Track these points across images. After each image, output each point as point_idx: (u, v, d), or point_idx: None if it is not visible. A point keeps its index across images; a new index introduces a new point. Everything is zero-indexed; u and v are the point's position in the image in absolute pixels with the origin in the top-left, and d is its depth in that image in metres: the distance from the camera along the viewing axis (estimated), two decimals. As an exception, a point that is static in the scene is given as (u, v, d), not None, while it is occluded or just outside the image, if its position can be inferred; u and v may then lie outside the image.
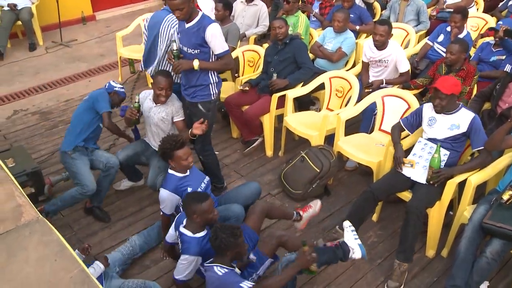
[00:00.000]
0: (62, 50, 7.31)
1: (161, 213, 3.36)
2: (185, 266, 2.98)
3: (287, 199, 4.14)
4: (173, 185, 3.26)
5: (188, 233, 2.98)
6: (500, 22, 4.83)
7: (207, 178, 3.48)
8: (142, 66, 4.35)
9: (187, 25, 3.46)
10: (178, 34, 3.66)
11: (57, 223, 3.83)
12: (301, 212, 3.53)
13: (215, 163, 4.07)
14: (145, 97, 3.90)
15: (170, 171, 3.34)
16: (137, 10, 8.84)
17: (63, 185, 4.25)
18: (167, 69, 4.00)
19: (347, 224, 3.17)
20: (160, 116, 3.81)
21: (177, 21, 3.96)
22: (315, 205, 3.60)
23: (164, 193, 3.26)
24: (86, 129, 3.77)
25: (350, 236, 3.09)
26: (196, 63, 3.46)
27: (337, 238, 3.52)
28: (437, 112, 3.42)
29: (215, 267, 2.70)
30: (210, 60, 3.54)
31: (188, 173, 3.34)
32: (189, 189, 3.26)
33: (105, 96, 3.85)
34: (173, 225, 3.16)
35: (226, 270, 2.68)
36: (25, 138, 5.09)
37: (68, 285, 1.75)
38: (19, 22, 7.03)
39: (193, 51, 3.49)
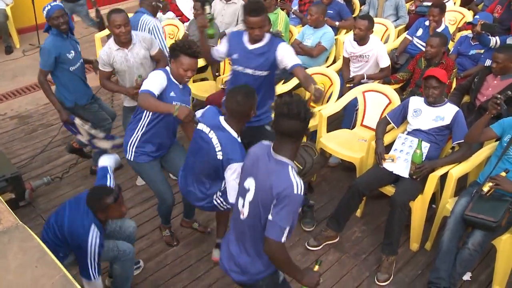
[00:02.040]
0: (39, 53, 7.17)
1: (140, 92, 2.98)
2: (234, 178, 2.64)
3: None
4: (167, 74, 3.04)
5: (233, 132, 2.72)
6: (477, 16, 4.88)
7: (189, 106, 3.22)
8: None
9: (251, 47, 3.28)
10: (236, 55, 3.36)
11: (39, 228, 3.75)
12: None
13: None
14: (110, 53, 3.65)
15: (168, 69, 3.10)
16: (116, 10, 8.73)
17: (44, 190, 4.19)
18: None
19: None
20: (140, 56, 3.69)
21: (153, 19, 3.93)
22: None
23: (155, 72, 3.03)
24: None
25: None
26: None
27: (327, 236, 3.56)
28: (430, 102, 3.48)
29: (291, 168, 2.18)
30: (272, 85, 3.48)
31: (180, 87, 3.11)
32: (171, 94, 3.02)
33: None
34: None
35: (302, 193, 2.16)
36: (3, 143, 5.00)
37: (50, 292, 1.73)
38: (-6, 25, 6.90)
39: (261, 73, 3.31)
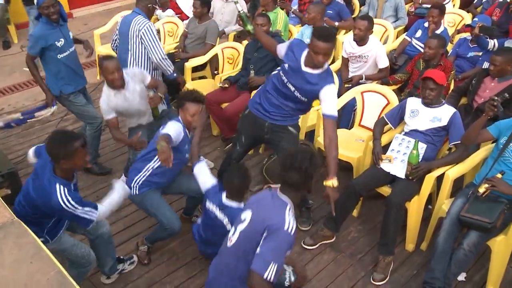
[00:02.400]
0: (38, 48, 7.17)
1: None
2: None
3: (268, 196, 4.14)
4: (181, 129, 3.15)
5: (235, 204, 2.98)
6: (476, 19, 4.89)
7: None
8: None
9: (305, 68, 3.16)
10: (287, 65, 3.26)
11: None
12: None
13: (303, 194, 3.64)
14: (109, 100, 3.65)
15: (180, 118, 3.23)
16: (114, 7, 8.73)
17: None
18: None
19: None
20: (137, 90, 3.71)
21: (146, 22, 3.93)
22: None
23: (173, 123, 3.13)
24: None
25: None
26: (329, 182, 3.10)
27: (324, 235, 3.56)
28: (427, 103, 3.48)
29: (288, 209, 2.27)
30: (309, 108, 3.49)
31: (189, 136, 3.30)
32: (186, 147, 3.25)
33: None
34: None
35: (294, 232, 2.24)
36: (0, 138, 4.99)
37: (45, 287, 1.72)
38: (-9, 20, 6.90)
39: (301, 97, 3.24)
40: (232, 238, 2.39)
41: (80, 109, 4.18)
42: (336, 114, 3.20)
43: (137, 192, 3.26)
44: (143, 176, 3.24)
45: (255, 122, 3.45)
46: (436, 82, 3.38)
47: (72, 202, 2.54)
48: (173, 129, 3.05)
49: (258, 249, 2.18)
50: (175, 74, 4.31)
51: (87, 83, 4.36)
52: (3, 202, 2.16)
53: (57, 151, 2.50)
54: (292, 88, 3.24)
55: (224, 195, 3.05)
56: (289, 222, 2.20)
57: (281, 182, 2.35)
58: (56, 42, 3.89)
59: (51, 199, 2.49)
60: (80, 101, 4.16)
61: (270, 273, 2.13)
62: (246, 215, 2.38)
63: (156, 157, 3.11)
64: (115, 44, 4.58)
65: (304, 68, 3.16)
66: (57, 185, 2.52)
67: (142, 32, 3.99)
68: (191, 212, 3.78)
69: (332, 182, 3.04)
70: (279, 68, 3.35)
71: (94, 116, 4.19)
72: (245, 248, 2.28)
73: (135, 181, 3.24)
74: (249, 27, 3.51)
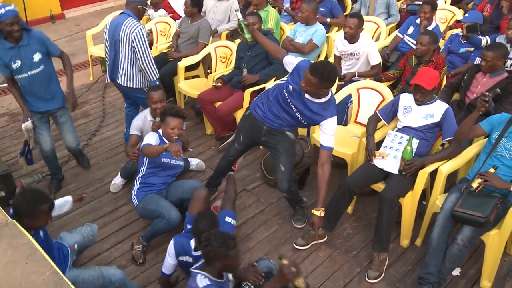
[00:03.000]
0: (30, 50, 7.13)
1: (142, 147, 3.38)
2: None
3: (262, 194, 4.16)
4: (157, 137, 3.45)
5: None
6: (467, 15, 4.90)
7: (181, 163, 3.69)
8: (108, 78, 4.25)
9: (309, 97, 3.14)
10: (292, 88, 3.23)
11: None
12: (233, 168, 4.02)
13: (297, 194, 3.79)
14: (145, 122, 3.88)
15: (161, 132, 3.50)
16: (106, 8, 8.72)
17: (35, 187, 4.17)
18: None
19: None
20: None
21: (137, 25, 3.88)
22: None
23: (150, 134, 3.48)
24: None
25: None
26: (317, 212, 3.24)
27: (317, 235, 3.57)
28: (418, 104, 3.50)
29: (199, 276, 2.53)
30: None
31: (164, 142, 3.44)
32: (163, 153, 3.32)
33: None
34: (170, 254, 3.04)
35: (208, 283, 2.50)
36: (-7, 140, 4.98)
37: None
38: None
39: (301, 119, 3.27)
40: None
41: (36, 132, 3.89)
42: (333, 145, 3.27)
43: (137, 201, 3.51)
44: (137, 187, 3.55)
45: (254, 123, 3.46)
46: (426, 90, 3.39)
47: None
48: (151, 138, 3.38)
49: None
50: (157, 82, 4.14)
51: (59, 107, 3.92)
52: (-4, 203, 2.16)
53: (22, 210, 2.57)
54: (295, 109, 3.25)
55: (192, 243, 2.98)
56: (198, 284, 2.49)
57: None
58: (11, 63, 3.53)
59: None
60: (37, 125, 3.86)
61: None
62: None
63: (141, 167, 3.55)
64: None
65: (306, 95, 3.15)
66: None
67: (134, 35, 3.86)
68: (147, 240, 3.60)
69: (320, 212, 3.23)
70: (285, 81, 3.32)
71: (43, 149, 3.98)
72: None
73: (132, 195, 3.57)
74: (247, 36, 3.54)
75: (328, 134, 3.22)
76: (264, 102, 3.43)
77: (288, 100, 3.25)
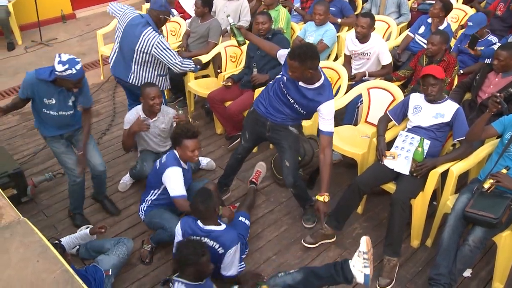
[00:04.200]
0: (42, 50, 7.20)
1: (175, 198, 3.34)
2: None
3: (272, 194, 4.15)
4: (177, 161, 3.39)
5: (215, 227, 3.00)
6: (470, 23, 4.71)
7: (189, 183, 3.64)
8: (112, 71, 4.25)
9: (302, 84, 3.19)
10: (286, 79, 3.27)
11: (41, 223, 3.80)
12: (254, 181, 4.11)
13: (304, 191, 3.78)
14: (134, 116, 3.88)
15: (176, 153, 3.42)
16: (118, 7, 8.74)
17: (46, 186, 4.21)
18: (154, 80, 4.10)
19: (363, 247, 2.81)
20: (160, 127, 3.96)
21: (156, 37, 3.87)
22: (263, 169, 4.15)
23: (173, 170, 3.33)
24: None
25: (358, 263, 2.84)
26: (321, 198, 3.24)
27: (324, 234, 3.56)
28: (429, 100, 3.47)
29: (176, 283, 2.68)
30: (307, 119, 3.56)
31: (186, 166, 3.46)
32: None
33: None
34: (177, 234, 3.12)
35: None
36: (6, 139, 5.02)
37: (51, 286, 1.74)
38: (-4, 21, 6.88)
39: (300, 109, 3.30)
40: None
41: (56, 155, 3.63)
42: (333, 130, 3.28)
43: (144, 216, 3.61)
44: (146, 205, 3.61)
45: (258, 119, 3.51)
46: (436, 77, 3.37)
47: None
48: (177, 179, 3.35)
49: None
50: (198, 66, 4.32)
51: (77, 128, 3.64)
52: (9, 201, 2.17)
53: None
54: (292, 100, 3.29)
55: (199, 222, 3.04)
56: None
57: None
58: (45, 99, 3.30)
59: None
60: (58, 147, 3.57)
61: None
62: None
63: (154, 191, 3.56)
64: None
65: (300, 83, 3.19)
66: None
67: (154, 49, 3.85)
68: (155, 242, 3.66)
69: (324, 197, 3.20)
70: (280, 75, 3.36)
71: (69, 168, 3.58)
72: None
73: (141, 210, 3.65)
74: (239, 38, 3.63)
75: (326, 119, 3.23)
76: (265, 97, 3.48)
77: (285, 92, 3.29)
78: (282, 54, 3.41)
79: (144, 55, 3.95)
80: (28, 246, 1.90)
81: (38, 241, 1.92)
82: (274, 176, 4.29)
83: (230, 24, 3.63)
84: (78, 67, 3.13)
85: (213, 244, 2.99)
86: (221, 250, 2.99)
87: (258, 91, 4.45)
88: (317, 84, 3.18)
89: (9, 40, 7.09)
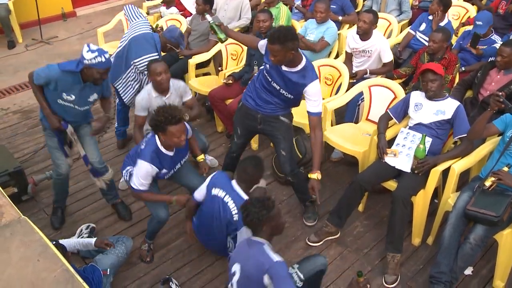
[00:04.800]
0: (42, 48, 7.20)
1: (133, 190, 3.23)
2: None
3: (273, 192, 4.15)
4: (153, 157, 3.13)
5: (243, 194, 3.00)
6: (480, 23, 4.62)
7: (187, 157, 3.45)
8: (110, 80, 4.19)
9: (285, 68, 3.22)
10: (268, 66, 3.31)
11: (41, 222, 3.80)
12: None
13: (304, 181, 3.64)
14: (149, 99, 3.70)
15: (157, 141, 3.15)
16: (118, 6, 8.73)
17: (47, 184, 4.20)
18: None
19: None
20: (176, 102, 3.77)
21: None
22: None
23: (141, 165, 3.12)
24: None
25: None
26: (314, 175, 3.29)
27: (328, 231, 3.56)
28: (430, 96, 3.47)
29: (266, 246, 2.44)
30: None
31: (173, 153, 3.25)
32: (163, 171, 3.24)
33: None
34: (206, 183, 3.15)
35: (282, 259, 2.38)
36: (6, 137, 5.02)
37: (52, 285, 1.73)
38: (-4, 19, 6.88)
39: (286, 94, 3.32)
40: None
41: (49, 149, 3.63)
42: (321, 110, 3.32)
43: (127, 179, 3.39)
44: (127, 175, 3.42)
45: (248, 113, 3.54)
46: (436, 72, 3.36)
47: None
48: (139, 175, 3.15)
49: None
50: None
51: (79, 126, 3.62)
52: (9, 200, 2.17)
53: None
54: (277, 87, 3.31)
55: (234, 182, 3.07)
56: (271, 255, 2.37)
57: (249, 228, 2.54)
58: (64, 94, 3.28)
59: None
60: (53, 142, 3.55)
61: None
62: (236, 268, 2.50)
63: (131, 166, 3.38)
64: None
65: (283, 67, 3.21)
66: None
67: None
68: (150, 237, 3.61)
69: (316, 175, 3.26)
70: (263, 65, 3.39)
71: (56, 163, 3.57)
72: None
73: (126, 170, 3.44)
74: (221, 36, 3.57)
75: (313, 100, 3.26)
76: (252, 90, 3.51)
77: (270, 80, 3.32)
78: (263, 44, 3.40)
79: (137, 72, 4.05)
80: (29, 245, 1.89)
81: (38, 240, 1.91)
82: (275, 174, 4.29)
83: (209, 22, 3.55)
84: (107, 56, 3.17)
85: (231, 206, 3.00)
86: (235, 217, 2.99)
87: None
88: (299, 67, 3.20)
89: (10, 38, 7.09)
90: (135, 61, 3.99)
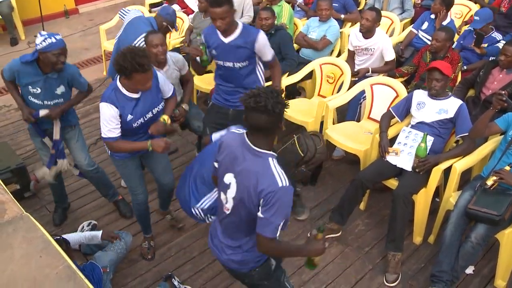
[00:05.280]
0: (45, 45, 7.18)
1: (103, 140, 2.92)
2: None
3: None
4: (113, 98, 2.80)
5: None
6: (477, 18, 4.60)
7: (161, 106, 3.03)
8: (110, 73, 4.22)
9: (227, 39, 3.28)
10: (214, 50, 3.38)
11: (44, 219, 3.81)
12: None
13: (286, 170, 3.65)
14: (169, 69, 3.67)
15: (118, 84, 2.82)
16: (120, 2, 8.74)
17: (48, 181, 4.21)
18: None
19: None
20: (173, 77, 3.70)
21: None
22: None
23: (103, 107, 2.80)
24: None
25: None
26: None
27: (330, 228, 3.56)
28: (432, 95, 3.47)
29: (271, 161, 2.09)
30: (257, 69, 3.46)
31: (139, 94, 2.85)
32: (129, 117, 2.84)
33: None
34: None
35: (288, 182, 2.05)
36: (9, 134, 5.03)
37: (54, 281, 1.74)
38: (-1, 17, 6.89)
39: (241, 64, 3.36)
40: (228, 205, 2.22)
41: (38, 151, 3.63)
42: (273, 53, 3.43)
43: (109, 153, 3.15)
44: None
45: (218, 112, 3.61)
46: (442, 73, 3.36)
47: None
48: (104, 119, 2.83)
49: (260, 214, 2.04)
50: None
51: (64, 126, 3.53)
52: (12, 197, 2.18)
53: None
54: (232, 65, 3.37)
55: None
56: (279, 175, 2.04)
57: (248, 128, 2.13)
58: (30, 87, 3.24)
59: None
60: (37, 143, 3.54)
61: (279, 231, 2.06)
62: (230, 180, 2.17)
63: None
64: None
65: (226, 40, 3.28)
66: None
67: None
68: (165, 207, 3.70)
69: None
70: (209, 54, 3.45)
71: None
72: (245, 213, 2.15)
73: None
74: (205, 58, 3.49)
75: (265, 49, 3.34)
76: (216, 89, 3.62)
77: (222, 63, 3.39)
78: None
79: None
80: (31, 242, 1.90)
81: (40, 237, 1.93)
82: None
83: (202, 43, 3.46)
84: (57, 37, 3.12)
85: None
86: None
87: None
88: (239, 30, 3.27)
89: (12, 35, 7.09)
90: (134, 42, 3.84)
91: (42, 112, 3.31)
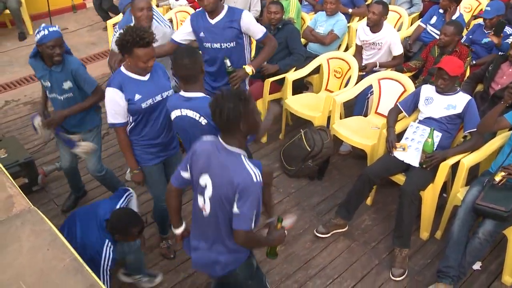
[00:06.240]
0: (52, 39, 7.21)
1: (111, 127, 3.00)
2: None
3: (281, 184, 4.15)
4: (119, 82, 2.81)
5: (198, 94, 2.64)
6: (488, 8, 4.60)
7: (171, 92, 2.97)
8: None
9: (213, 21, 3.37)
10: (202, 33, 3.42)
11: (51, 212, 3.83)
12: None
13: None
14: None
15: (122, 69, 2.84)
16: (128, -3, 8.73)
17: (56, 175, 4.24)
18: None
19: None
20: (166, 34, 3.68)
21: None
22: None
23: (108, 92, 2.82)
24: None
25: None
26: (249, 69, 3.45)
27: (337, 224, 3.56)
28: (439, 92, 3.44)
29: (243, 158, 2.17)
30: (245, 49, 3.54)
31: (147, 77, 2.86)
32: (137, 96, 2.80)
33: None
34: None
35: (260, 179, 2.14)
36: (17, 128, 5.06)
37: (61, 274, 1.76)
38: (7, 11, 6.93)
39: (228, 45, 3.42)
40: (205, 207, 2.26)
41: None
42: (264, 28, 3.49)
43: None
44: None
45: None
46: (449, 74, 3.33)
47: (109, 263, 2.81)
48: (109, 105, 2.86)
49: (235, 209, 2.13)
50: None
51: (85, 131, 3.52)
52: (20, 190, 2.20)
53: (115, 229, 2.81)
54: (218, 45, 3.43)
55: (181, 91, 2.68)
56: (253, 171, 2.12)
57: (219, 129, 2.20)
58: (42, 81, 3.31)
59: (95, 248, 2.80)
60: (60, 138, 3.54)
61: (252, 224, 2.18)
62: (206, 181, 2.21)
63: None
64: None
65: (213, 22, 3.37)
66: (107, 240, 2.84)
67: None
68: (164, 231, 3.51)
69: (251, 69, 3.46)
70: (199, 42, 3.50)
71: (60, 157, 3.69)
72: (222, 211, 2.20)
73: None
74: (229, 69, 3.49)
75: (253, 26, 3.43)
76: (205, 78, 3.55)
77: (210, 46, 3.44)
78: (181, 30, 3.53)
79: None
80: (39, 234, 1.92)
81: (48, 230, 1.94)
82: (283, 167, 4.29)
83: (228, 67, 3.43)
84: (51, 29, 3.10)
85: (194, 115, 2.63)
86: (203, 121, 2.61)
87: (268, 82, 4.44)
88: (224, 10, 3.37)
89: (21, 30, 7.12)
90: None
91: (35, 122, 3.38)
